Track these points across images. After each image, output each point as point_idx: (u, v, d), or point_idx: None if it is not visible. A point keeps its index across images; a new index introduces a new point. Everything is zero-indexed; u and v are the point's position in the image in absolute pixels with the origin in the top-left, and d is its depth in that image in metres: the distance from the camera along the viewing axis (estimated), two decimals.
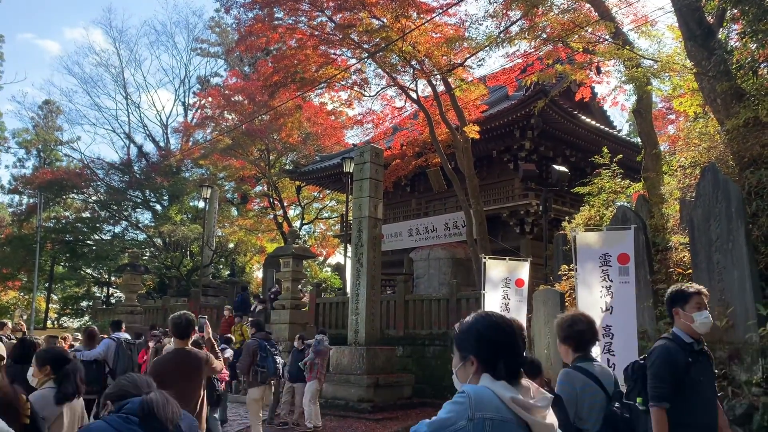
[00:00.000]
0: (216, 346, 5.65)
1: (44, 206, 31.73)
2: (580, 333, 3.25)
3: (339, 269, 31.42)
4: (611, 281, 5.82)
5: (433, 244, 20.43)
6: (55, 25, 78.88)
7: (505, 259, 7.91)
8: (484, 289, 7.75)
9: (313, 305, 17.03)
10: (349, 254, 17.46)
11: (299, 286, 16.07)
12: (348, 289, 15.40)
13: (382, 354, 12.58)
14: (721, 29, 8.49)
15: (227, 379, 9.09)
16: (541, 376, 1.71)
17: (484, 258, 7.91)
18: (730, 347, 5.46)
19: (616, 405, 3.08)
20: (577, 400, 3.06)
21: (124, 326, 9.44)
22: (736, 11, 8.01)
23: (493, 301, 7.64)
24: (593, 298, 5.85)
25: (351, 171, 16.68)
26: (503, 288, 7.62)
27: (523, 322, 7.32)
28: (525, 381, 1.75)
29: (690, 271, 6.43)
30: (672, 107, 14.33)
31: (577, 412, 3.05)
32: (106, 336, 8.68)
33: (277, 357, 8.64)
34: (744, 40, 7.87)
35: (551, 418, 1.74)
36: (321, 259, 38.93)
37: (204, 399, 4.89)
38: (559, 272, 9.05)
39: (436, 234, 21.15)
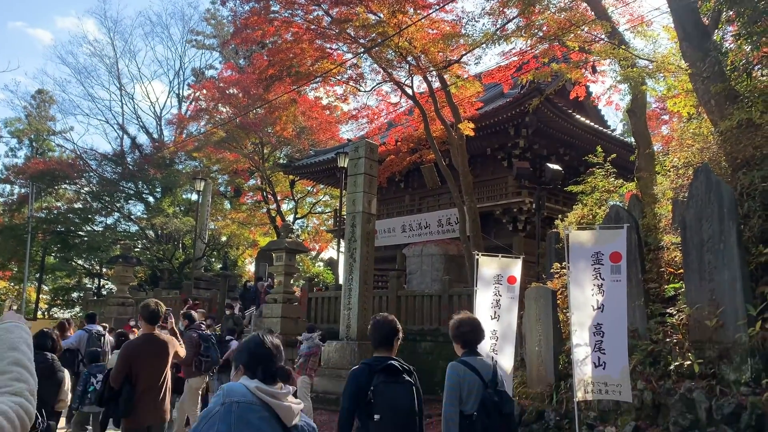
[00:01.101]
0: (179, 335, 5.93)
1: (36, 196, 31.58)
2: (464, 334, 4.03)
3: (331, 264, 31.42)
4: (603, 279, 5.84)
5: (426, 241, 20.47)
6: (46, 13, 78.29)
7: (497, 256, 7.93)
8: (476, 286, 7.76)
9: (305, 300, 17.04)
10: (342, 249, 17.48)
11: (291, 281, 16.07)
12: (341, 284, 15.41)
13: None
14: (716, 30, 8.53)
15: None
16: (291, 380, 2.62)
17: (477, 255, 7.92)
18: (719, 347, 5.50)
19: (489, 391, 3.80)
20: (461, 385, 3.82)
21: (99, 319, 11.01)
22: (731, 13, 8.05)
23: (484, 298, 7.65)
24: (585, 296, 5.88)
25: (345, 166, 16.69)
26: (495, 285, 7.62)
27: (515, 319, 7.35)
28: (279, 384, 2.37)
29: (681, 270, 6.47)
30: (666, 108, 14.38)
31: (460, 394, 3.82)
32: (80, 327, 9.89)
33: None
34: (739, 41, 7.91)
35: (293, 404, 2.33)
36: (313, 253, 38.92)
37: (169, 380, 5.30)
38: (552, 270, 9.09)
39: (429, 230, 21.19)
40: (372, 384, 3.53)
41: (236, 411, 2.17)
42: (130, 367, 4.94)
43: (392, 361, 3.61)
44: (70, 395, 5.14)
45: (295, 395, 2.41)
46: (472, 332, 4.05)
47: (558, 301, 7.69)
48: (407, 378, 3.64)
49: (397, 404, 3.51)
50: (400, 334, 3.91)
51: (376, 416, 3.47)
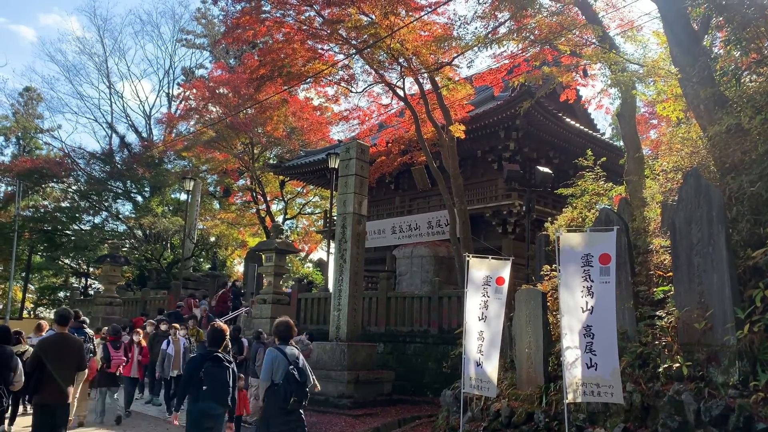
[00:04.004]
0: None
1: (23, 195, 31.25)
2: (280, 331, 6.10)
3: (321, 265, 31.36)
4: (592, 281, 5.87)
5: (416, 242, 20.47)
6: (28, 10, 77.39)
7: (487, 258, 7.95)
8: (466, 288, 7.78)
9: (294, 300, 17.00)
10: (332, 250, 17.45)
11: (281, 281, 16.04)
12: (330, 285, 15.39)
13: (363, 350, 12.60)
14: (706, 36, 8.60)
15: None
16: None
17: (468, 257, 7.94)
18: (708, 349, 5.55)
19: (291, 367, 5.75)
20: (273, 363, 5.79)
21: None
22: (721, 19, 8.11)
23: (474, 300, 7.67)
24: (575, 300, 5.91)
25: (336, 167, 16.67)
26: (484, 287, 7.65)
27: (503, 321, 7.37)
28: None
29: (670, 273, 6.52)
30: (654, 112, 14.49)
31: (272, 369, 5.78)
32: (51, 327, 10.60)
33: (90, 345, 9.73)
34: (728, 47, 7.98)
35: None
36: (303, 254, 38.83)
37: (75, 376, 6.67)
38: (542, 272, 9.13)
39: (419, 232, 21.21)
40: (203, 367, 5.57)
41: None
42: (42, 357, 6.25)
43: (217, 353, 5.73)
44: (23, 379, 6.45)
45: None
46: (285, 330, 6.08)
47: (548, 303, 7.72)
48: (227, 364, 5.73)
49: (217, 380, 5.58)
50: (227, 337, 6.23)
51: (204, 387, 5.49)
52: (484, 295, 7.47)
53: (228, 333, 6.00)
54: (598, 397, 5.63)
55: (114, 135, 37.51)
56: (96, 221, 34.72)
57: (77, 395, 9.30)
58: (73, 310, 9.62)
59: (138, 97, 70.34)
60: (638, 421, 5.74)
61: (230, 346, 9.94)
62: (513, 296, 8.07)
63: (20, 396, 8.74)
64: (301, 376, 5.84)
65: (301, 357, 6.09)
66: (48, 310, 36.14)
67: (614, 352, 5.59)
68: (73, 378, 6.61)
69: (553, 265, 7.63)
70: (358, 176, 13.05)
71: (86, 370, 7.68)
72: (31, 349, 9.10)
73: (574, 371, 5.77)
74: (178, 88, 38.48)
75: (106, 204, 33.87)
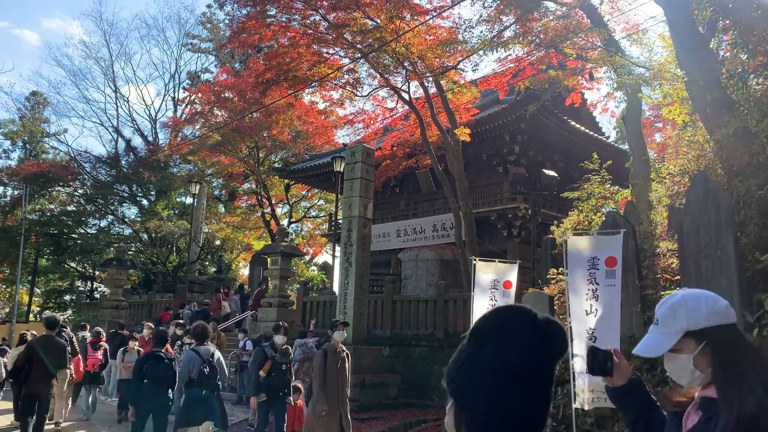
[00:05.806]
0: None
1: (29, 198, 31.34)
2: (196, 332, 7.29)
3: (326, 268, 31.41)
4: (597, 284, 5.86)
5: (422, 245, 20.47)
6: (31, 14, 77.70)
7: (494, 261, 7.95)
8: (473, 291, 7.78)
9: (300, 304, 17.01)
10: (337, 254, 17.47)
11: (286, 285, 16.05)
12: (336, 289, 15.39)
13: (369, 354, 12.59)
14: (712, 39, 8.59)
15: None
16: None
17: (474, 260, 7.94)
18: None
19: (203, 365, 6.79)
20: (190, 362, 6.84)
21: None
22: (727, 22, 8.11)
23: (481, 303, 7.67)
24: (581, 305, 5.89)
25: (341, 170, 16.69)
26: (491, 290, 7.65)
27: None
28: None
29: (678, 277, 6.49)
30: (660, 115, 14.47)
31: (189, 367, 6.81)
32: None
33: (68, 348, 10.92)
34: (734, 50, 7.97)
35: None
36: (308, 257, 38.88)
37: (57, 373, 8.06)
38: (548, 276, 9.12)
39: (424, 235, 21.20)
40: (146, 363, 7.09)
41: None
42: (30, 354, 7.58)
43: (159, 353, 7.20)
44: (5, 372, 8.04)
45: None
46: (202, 331, 7.24)
47: (555, 307, 7.70)
48: (167, 362, 7.16)
49: (157, 374, 7.02)
50: (168, 339, 7.74)
51: (146, 380, 6.99)
52: (491, 299, 7.47)
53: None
54: (606, 402, 5.61)
55: (120, 139, 37.61)
56: (102, 225, 34.82)
57: (63, 392, 10.07)
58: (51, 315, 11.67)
59: (144, 101, 70.46)
60: None
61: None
62: (520, 300, 8.07)
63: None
64: (212, 372, 6.95)
65: (216, 354, 7.17)
66: (54, 314, 36.21)
67: None
68: (55, 374, 7.93)
69: (560, 269, 7.63)
70: (363, 180, 13.06)
71: (67, 369, 8.92)
72: None
73: (579, 380, 5.75)
74: (184, 93, 38.58)
75: (112, 207, 33.98)
